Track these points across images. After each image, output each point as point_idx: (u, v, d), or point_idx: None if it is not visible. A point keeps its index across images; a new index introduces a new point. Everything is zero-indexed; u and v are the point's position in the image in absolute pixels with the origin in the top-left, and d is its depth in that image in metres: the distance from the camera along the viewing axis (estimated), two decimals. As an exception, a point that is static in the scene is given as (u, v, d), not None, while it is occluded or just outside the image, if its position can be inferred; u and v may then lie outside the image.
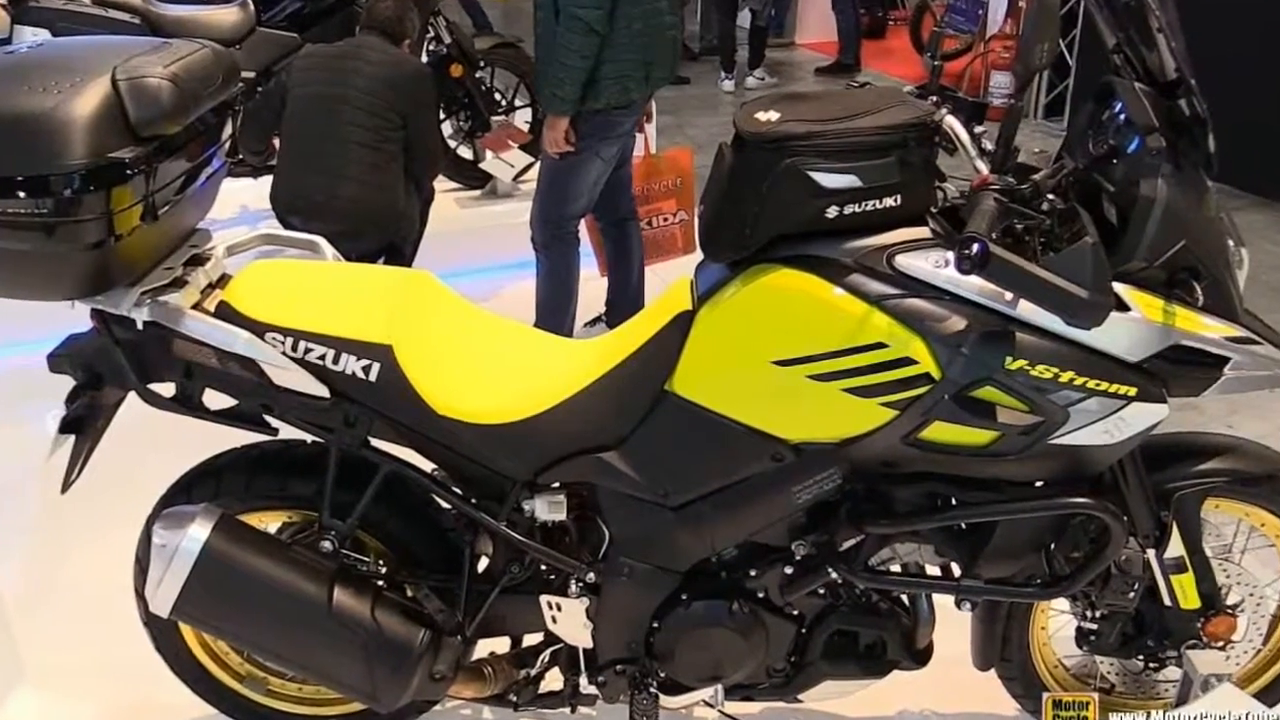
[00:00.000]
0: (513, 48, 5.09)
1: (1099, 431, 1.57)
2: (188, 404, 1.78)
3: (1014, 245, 1.51)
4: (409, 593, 1.87)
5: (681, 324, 1.67)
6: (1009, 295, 1.51)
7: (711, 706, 1.95)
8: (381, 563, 1.90)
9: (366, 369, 1.71)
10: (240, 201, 4.79)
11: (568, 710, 1.99)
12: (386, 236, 3.58)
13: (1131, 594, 1.82)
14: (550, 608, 1.85)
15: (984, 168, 1.55)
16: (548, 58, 3.20)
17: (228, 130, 1.83)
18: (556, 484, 1.79)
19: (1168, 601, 1.85)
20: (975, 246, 1.34)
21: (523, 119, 5.22)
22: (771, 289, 1.58)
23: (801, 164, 1.51)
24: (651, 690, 1.89)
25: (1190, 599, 1.85)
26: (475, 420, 1.73)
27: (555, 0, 3.12)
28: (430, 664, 1.80)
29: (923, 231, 1.56)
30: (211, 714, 2.11)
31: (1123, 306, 1.52)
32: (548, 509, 1.78)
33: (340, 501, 1.81)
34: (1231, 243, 1.61)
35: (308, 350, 1.71)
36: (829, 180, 1.51)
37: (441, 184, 4.44)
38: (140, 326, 1.68)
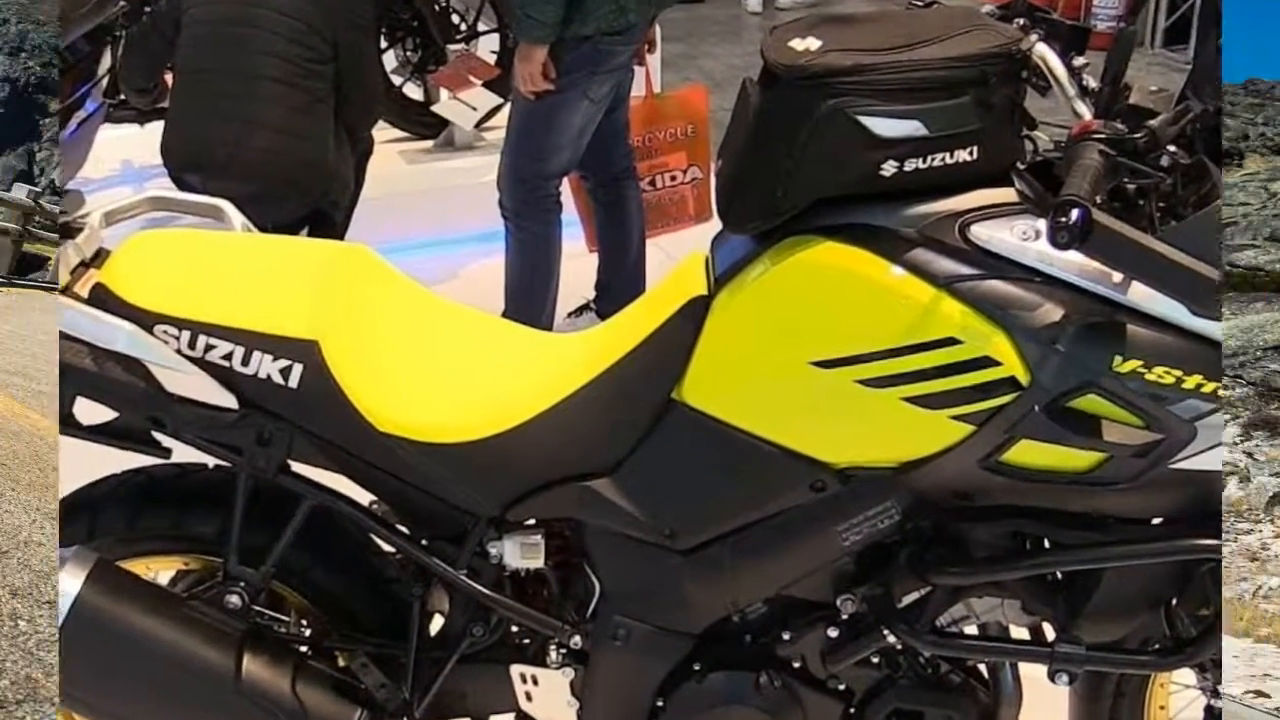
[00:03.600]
0: (476, -44, 5.11)
1: (1234, 453, 1.57)
2: (55, 417, 1.78)
3: (1125, 211, 1.52)
4: (340, 662, 1.88)
5: (694, 313, 1.67)
6: (1118, 276, 1.51)
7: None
8: (305, 623, 1.91)
9: (285, 372, 1.71)
10: (122, 154, 4.79)
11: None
12: (311, 200, 3.58)
13: (1276, 663, 1.83)
14: (524, 681, 1.85)
15: (1086, 111, 1.55)
16: (520, -31, 3.21)
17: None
18: (532, 521, 1.79)
19: (1322, 673, 1.86)
20: (1075, 213, 1.34)
21: (488, 48, 5.23)
22: (810, 268, 1.59)
23: (849, 106, 1.51)
24: (655, 788, 1.89)
25: (1351, 669, 1.85)
26: (426, 438, 1.74)
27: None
28: (368, 754, 1.80)
29: (1006, 194, 1.57)
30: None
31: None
32: (520, 554, 1.78)
33: (251, 544, 1.81)
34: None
35: (209, 347, 1.71)
36: (885, 127, 1.51)
37: (382, 132, 4.44)
38: (-8, 317, 1.68)
